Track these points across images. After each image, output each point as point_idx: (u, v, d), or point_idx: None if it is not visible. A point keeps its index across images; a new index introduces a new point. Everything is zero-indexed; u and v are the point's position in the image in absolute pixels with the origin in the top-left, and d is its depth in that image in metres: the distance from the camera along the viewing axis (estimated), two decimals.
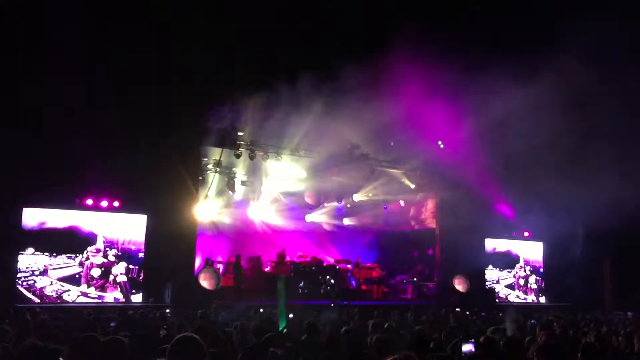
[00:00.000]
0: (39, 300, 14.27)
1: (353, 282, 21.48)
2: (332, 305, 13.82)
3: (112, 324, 8.35)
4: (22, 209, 14.49)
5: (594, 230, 20.44)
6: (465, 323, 10.72)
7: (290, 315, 11.36)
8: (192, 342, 3.68)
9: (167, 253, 15.52)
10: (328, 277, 20.02)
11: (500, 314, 14.34)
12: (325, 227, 24.47)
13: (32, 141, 13.68)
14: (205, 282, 14.98)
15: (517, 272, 23.34)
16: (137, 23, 14.39)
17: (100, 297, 15.14)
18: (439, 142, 20.27)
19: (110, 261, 15.46)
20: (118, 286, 15.45)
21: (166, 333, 6.71)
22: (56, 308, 12.79)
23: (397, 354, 4.70)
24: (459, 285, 19.81)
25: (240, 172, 20.56)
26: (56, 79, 13.24)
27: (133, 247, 15.85)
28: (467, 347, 5.53)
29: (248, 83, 15.81)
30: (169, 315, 10.15)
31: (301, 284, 19.65)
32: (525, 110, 15.78)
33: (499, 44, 14.70)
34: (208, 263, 17.55)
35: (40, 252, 14.62)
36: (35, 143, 13.69)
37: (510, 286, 23.04)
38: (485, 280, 22.03)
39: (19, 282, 14.22)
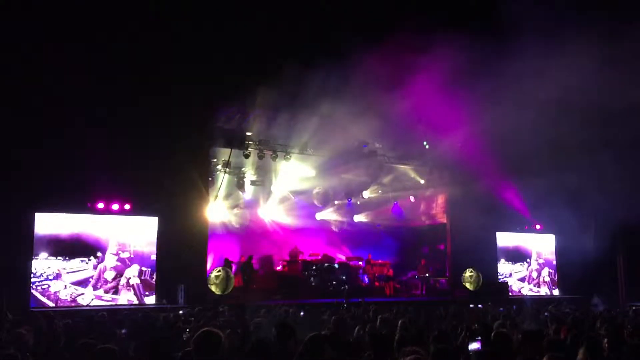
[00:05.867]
0: (53, 305, 14.39)
1: (365, 279, 21.49)
2: (345, 305, 13.80)
3: (123, 331, 8.36)
4: (34, 215, 14.60)
5: (607, 221, 20.32)
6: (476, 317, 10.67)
7: (301, 313, 11.42)
8: (213, 335, 4.12)
9: (179, 254, 15.61)
10: (340, 274, 20.09)
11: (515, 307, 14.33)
12: (335, 226, 24.49)
13: (42, 147, 13.77)
14: (213, 287, 14.99)
15: (529, 265, 23.23)
16: (144, 26, 14.46)
17: (113, 299, 15.23)
18: (424, 143, 20.08)
19: (122, 264, 15.55)
20: (131, 288, 15.54)
21: (189, 336, 6.81)
22: (70, 312, 12.87)
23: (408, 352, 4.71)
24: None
25: (249, 172, 20.62)
26: (67, 83, 13.35)
27: (145, 250, 15.91)
28: (474, 346, 5.39)
29: (255, 83, 15.85)
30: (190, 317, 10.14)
31: (313, 282, 19.73)
32: (535, 103, 15.66)
33: (507, 38, 14.54)
34: (227, 263, 17.47)
35: (54, 256, 14.72)
36: (45, 149, 13.79)
37: (523, 279, 22.93)
38: (497, 274, 21.95)
39: (33, 286, 14.33)
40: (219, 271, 14.16)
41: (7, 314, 9.78)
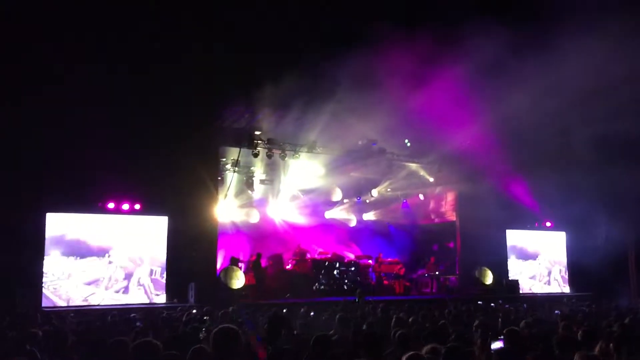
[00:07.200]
0: (65, 304, 14.47)
1: (375, 277, 21.46)
2: (357, 300, 13.78)
3: (137, 324, 8.42)
4: (45, 215, 14.69)
5: (618, 217, 20.18)
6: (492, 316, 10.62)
7: (312, 313, 11.40)
8: (232, 332, 4.14)
9: (189, 253, 15.65)
10: (350, 273, 20.09)
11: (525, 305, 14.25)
12: (345, 224, 24.45)
13: (53, 148, 13.83)
14: (229, 281, 15.02)
15: (540, 263, 23.11)
16: (152, 25, 14.47)
17: (124, 299, 15.28)
18: (406, 141, 20.03)
19: (133, 263, 15.60)
20: (142, 288, 15.60)
21: (205, 335, 6.85)
22: (82, 311, 12.93)
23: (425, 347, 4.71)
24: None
25: (258, 170, 20.62)
26: (76, 82, 13.39)
27: (155, 249, 15.96)
28: (497, 345, 5.36)
29: (264, 82, 15.83)
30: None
31: (322, 281, 19.73)
32: (544, 98, 15.56)
33: (518, 35, 14.43)
34: (233, 261, 17.55)
35: (65, 256, 14.81)
36: (55, 150, 13.85)
37: (534, 277, 22.82)
38: (507, 272, 21.85)
39: (45, 286, 14.41)
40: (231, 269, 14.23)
41: (36, 315, 9.85)
